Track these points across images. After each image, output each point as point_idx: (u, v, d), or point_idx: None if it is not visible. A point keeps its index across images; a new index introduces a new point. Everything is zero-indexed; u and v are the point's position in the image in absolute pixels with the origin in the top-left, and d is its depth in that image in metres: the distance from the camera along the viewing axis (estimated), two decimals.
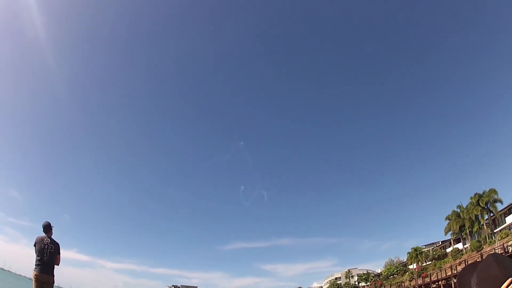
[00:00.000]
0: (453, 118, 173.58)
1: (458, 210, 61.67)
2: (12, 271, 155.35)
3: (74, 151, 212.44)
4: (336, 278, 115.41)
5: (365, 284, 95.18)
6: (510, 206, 52.54)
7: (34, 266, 8.39)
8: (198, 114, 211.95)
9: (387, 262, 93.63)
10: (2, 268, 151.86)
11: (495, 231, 53.17)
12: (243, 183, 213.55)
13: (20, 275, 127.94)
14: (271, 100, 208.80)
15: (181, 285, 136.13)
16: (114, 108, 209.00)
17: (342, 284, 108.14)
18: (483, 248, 50.07)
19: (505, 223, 52.95)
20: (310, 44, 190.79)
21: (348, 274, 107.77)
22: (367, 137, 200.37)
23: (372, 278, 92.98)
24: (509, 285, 1.47)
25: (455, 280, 43.99)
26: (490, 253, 1.93)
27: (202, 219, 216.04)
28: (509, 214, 52.87)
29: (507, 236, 45.72)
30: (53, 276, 8.61)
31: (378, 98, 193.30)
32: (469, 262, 43.29)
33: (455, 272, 45.01)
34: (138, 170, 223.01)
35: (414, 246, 74.10)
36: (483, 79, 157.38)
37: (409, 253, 74.66)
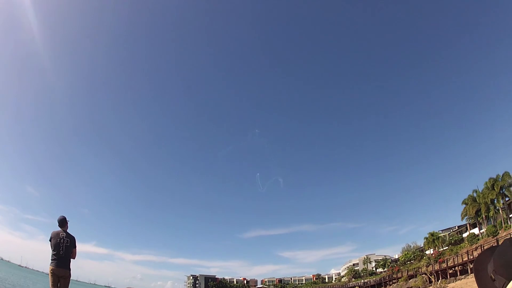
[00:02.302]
0: (469, 106, 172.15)
1: (475, 195, 61.18)
2: (30, 267, 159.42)
3: (82, 150, 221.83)
4: (354, 264, 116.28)
5: (382, 270, 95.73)
6: None
7: (50, 261, 8.41)
8: (211, 106, 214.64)
9: (404, 247, 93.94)
10: (19, 265, 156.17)
11: (510, 215, 52.74)
12: (259, 170, 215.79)
13: (37, 270, 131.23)
14: (285, 87, 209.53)
15: (200, 275, 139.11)
16: (121, 109, 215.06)
17: (360, 270, 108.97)
18: (499, 233, 50.06)
19: None
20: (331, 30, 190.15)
21: (366, 260, 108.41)
22: (383, 129, 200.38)
23: (389, 263, 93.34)
24: None
25: (471, 266, 44.41)
26: (507, 238, 1.90)
27: (220, 208, 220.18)
28: None
29: None
30: (70, 270, 8.58)
31: (396, 93, 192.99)
32: (485, 247, 43.48)
33: (471, 257, 45.15)
34: (155, 168, 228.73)
35: (431, 231, 74.16)
36: (499, 69, 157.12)
37: (426, 238, 74.45)
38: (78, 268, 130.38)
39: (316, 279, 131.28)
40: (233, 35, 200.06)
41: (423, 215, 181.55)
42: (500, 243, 1.72)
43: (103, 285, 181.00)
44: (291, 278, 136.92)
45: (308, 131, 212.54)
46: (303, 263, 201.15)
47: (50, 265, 8.39)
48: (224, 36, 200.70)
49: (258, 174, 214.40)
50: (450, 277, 49.29)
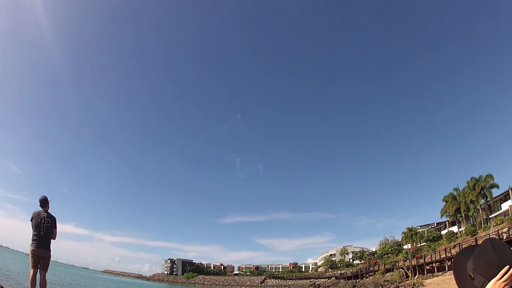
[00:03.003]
0: (460, 107, 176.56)
1: (455, 193, 61.76)
2: (10, 247, 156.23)
3: (64, 129, 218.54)
4: (331, 255, 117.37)
5: (359, 262, 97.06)
6: (506, 193, 52.93)
7: (31, 241, 8.34)
8: (193, 89, 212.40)
9: (382, 241, 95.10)
10: (0, 245, 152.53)
11: (490, 216, 53.73)
12: (239, 156, 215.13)
13: (17, 251, 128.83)
14: (270, 77, 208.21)
15: (177, 259, 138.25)
16: (104, 89, 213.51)
17: (337, 261, 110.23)
18: (477, 232, 50.88)
19: (501, 209, 53.39)
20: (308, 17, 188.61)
21: (343, 251, 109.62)
22: (367, 124, 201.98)
23: (366, 256, 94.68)
24: (506, 273, 1.50)
25: (449, 263, 45.00)
26: (487, 237, 1.91)
27: (199, 192, 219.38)
28: (505, 201, 53.37)
29: (502, 222, 46.16)
30: (50, 251, 8.53)
31: (384, 89, 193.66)
32: (463, 246, 44.08)
33: (449, 254, 45.63)
34: (137, 148, 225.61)
35: (409, 226, 75.07)
36: (484, 76, 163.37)
37: (404, 233, 75.55)
38: (57, 249, 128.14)
39: (292, 267, 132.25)
40: (220, 23, 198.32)
41: (402, 210, 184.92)
42: (479, 242, 1.82)
43: (81, 267, 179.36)
44: (268, 266, 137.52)
45: (290, 121, 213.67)
46: (280, 251, 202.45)
47: (31, 245, 8.29)
48: (210, 23, 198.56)
49: (238, 159, 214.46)
50: (427, 273, 49.66)
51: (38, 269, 8.33)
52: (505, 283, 1.49)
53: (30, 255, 8.32)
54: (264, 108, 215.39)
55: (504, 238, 36.96)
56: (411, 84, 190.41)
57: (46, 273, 8.52)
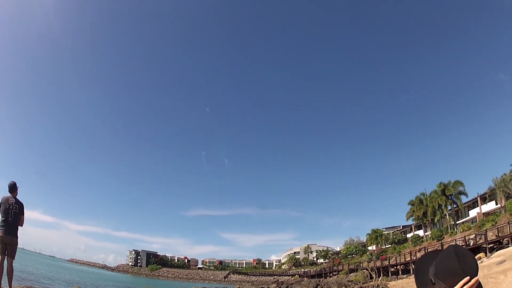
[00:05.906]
0: (434, 111, 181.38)
1: (422, 197, 61.91)
2: None
3: (34, 111, 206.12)
4: (294, 252, 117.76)
5: (323, 261, 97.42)
6: (475, 200, 53.67)
7: None
8: (162, 81, 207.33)
9: (347, 241, 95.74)
10: None
11: (457, 222, 54.48)
12: (205, 148, 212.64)
13: None
14: (241, 68, 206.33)
15: (142, 250, 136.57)
16: (80, 69, 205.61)
17: (301, 259, 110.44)
18: (444, 237, 51.38)
19: (468, 216, 54.31)
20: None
21: (307, 250, 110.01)
22: (335, 123, 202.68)
23: (331, 255, 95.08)
24: (465, 284, 1.44)
25: (413, 266, 45.06)
26: (452, 244, 1.75)
27: (165, 185, 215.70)
28: (473, 208, 54.23)
29: (469, 229, 46.76)
30: (17, 237, 8.49)
31: (356, 87, 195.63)
32: (429, 250, 44.14)
33: (414, 258, 45.72)
34: (104, 135, 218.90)
35: (375, 228, 75.29)
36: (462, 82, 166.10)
37: (368, 234, 75.69)
38: (24, 235, 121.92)
39: (256, 263, 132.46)
40: (195, 16, 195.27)
41: (368, 211, 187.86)
42: (444, 247, 1.83)
43: (47, 255, 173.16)
44: (232, 261, 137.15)
45: (258, 116, 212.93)
46: (243, 246, 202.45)
47: None
48: (185, 14, 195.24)
49: (204, 152, 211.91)
50: (391, 275, 49.77)
51: (6, 256, 8.25)
52: None
53: None
54: (233, 102, 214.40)
55: (471, 244, 37.08)
56: (383, 86, 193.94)
57: (13, 261, 8.45)
